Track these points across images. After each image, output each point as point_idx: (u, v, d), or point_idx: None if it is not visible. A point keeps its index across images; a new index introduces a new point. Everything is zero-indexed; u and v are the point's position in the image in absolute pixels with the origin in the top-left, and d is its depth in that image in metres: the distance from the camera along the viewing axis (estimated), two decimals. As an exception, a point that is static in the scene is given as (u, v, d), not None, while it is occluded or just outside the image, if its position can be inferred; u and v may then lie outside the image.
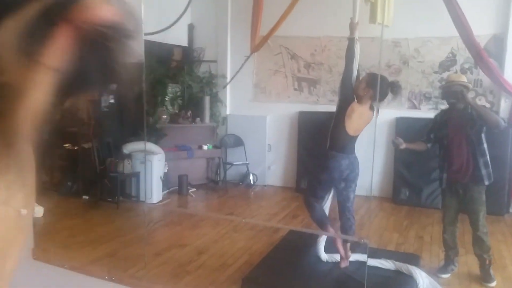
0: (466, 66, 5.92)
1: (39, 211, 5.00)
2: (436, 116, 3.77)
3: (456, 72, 5.94)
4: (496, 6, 5.70)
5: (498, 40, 5.72)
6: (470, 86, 3.69)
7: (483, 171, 3.43)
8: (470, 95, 3.64)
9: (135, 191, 5.65)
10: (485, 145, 3.47)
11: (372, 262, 3.44)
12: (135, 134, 5.85)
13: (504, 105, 5.70)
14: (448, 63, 6.03)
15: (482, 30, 5.67)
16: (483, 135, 3.44)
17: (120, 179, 5.27)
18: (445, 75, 6.00)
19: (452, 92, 3.46)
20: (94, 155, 5.53)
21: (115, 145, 5.73)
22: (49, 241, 3.75)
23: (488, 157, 3.47)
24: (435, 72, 6.07)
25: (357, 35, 3.54)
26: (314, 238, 3.78)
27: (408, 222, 5.23)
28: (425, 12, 5.84)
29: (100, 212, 5.31)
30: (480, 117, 3.34)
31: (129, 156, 5.61)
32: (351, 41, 3.48)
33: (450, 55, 6.01)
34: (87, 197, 5.77)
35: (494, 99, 5.75)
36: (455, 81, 3.55)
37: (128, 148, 5.69)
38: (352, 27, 3.51)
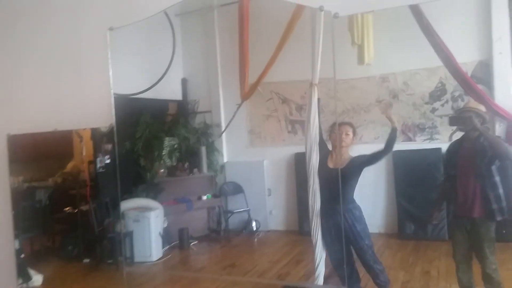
0: (456, 94, 5.93)
1: (38, 279, 4.96)
2: (448, 146, 3.55)
3: (447, 102, 5.98)
4: (478, 33, 5.77)
5: (484, 66, 5.76)
6: (486, 116, 3.35)
7: (494, 206, 3.18)
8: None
9: (129, 251, 5.58)
10: (498, 178, 3.21)
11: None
12: (129, 191, 5.86)
13: (499, 129, 5.66)
14: (438, 93, 6.05)
15: (467, 57, 5.75)
16: (494, 167, 3.20)
17: (117, 239, 5.22)
18: (436, 105, 6.05)
19: (460, 118, 3.29)
20: (92, 216, 5.52)
21: (113, 205, 5.72)
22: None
23: (501, 191, 3.21)
24: (426, 103, 6.09)
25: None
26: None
27: (414, 258, 5.08)
28: (410, 45, 5.93)
29: (100, 275, 5.23)
30: (491, 147, 3.14)
31: (122, 215, 5.59)
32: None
33: (439, 84, 6.04)
34: (88, 260, 5.71)
35: (489, 124, 5.69)
36: (470, 107, 3.33)
37: (121, 206, 5.67)
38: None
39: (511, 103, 5.49)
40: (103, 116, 3.51)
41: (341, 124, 3.53)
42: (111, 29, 3.61)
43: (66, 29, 3.73)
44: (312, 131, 3.54)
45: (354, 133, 3.51)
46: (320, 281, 3.62)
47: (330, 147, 3.59)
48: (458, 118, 3.31)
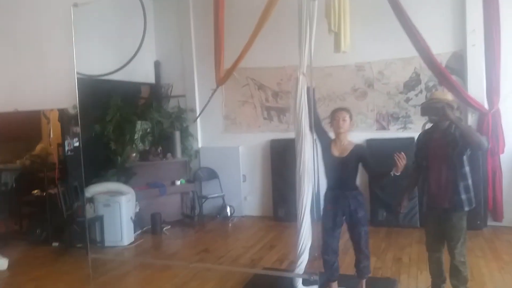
0: (431, 84, 6.02)
1: (2, 263, 4.80)
2: (418, 136, 3.53)
3: (421, 92, 6.06)
4: (453, 24, 5.86)
5: (458, 57, 5.86)
6: (455, 105, 3.35)
7: (463, 196, 3.18)
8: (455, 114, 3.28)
9: (99, 235, 5.47)
10: (467, 168, 3.21)
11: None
12: (99, 175, 5.71)
13: (471, 119, 5.79)
14: (412, 83, 6.12)
15: (442, 48, 5.83)
16: (465, 158, 3.19)
17: (86, 223, 5.10)
18: (410, 94, 6.13)
19: (432, 109, 3.23)
20: (61, 200, 5.37)
21: (82, 189, 5.58)
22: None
23: (469, 181, 3.22)
24: (401, 93, 6.16)
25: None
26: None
27: (386, 244, 5.16)
28: (386, 35, 5.98)
29: (69, 259, 5.11)
30: (463, 137, 3.10)
31: (91, 199, 5.46)
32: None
33: (414, 75, 6.11)
34: (57, 244, 5.57)
35: (461, 115, 5.82)
36: (438, 98, 3.30)
37: (90, 191, 5.55)
38: None
39: (483, 94, 5.62)
40: (67, 97, 3.37)
41: (338, 110, 3.49)
42: (75, 5, 3.45)
43: (28, 5, 3.53)
44: (301, 120, 3.57)
45: (351, 118, 3.50)
46: (302, 269, 3.64)
47: (332, 135, 3.58)
48: (431, 108, 3.26)
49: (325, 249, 3.49)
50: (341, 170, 3.41)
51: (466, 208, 3.21)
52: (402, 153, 3.14)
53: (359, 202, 3.44)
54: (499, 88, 5.49)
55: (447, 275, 3.42)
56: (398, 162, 3.11)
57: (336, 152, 3.45)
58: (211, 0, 6.28)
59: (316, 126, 3.61)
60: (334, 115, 3.46)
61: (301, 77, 3.64)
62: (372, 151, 6.00)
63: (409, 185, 3.60)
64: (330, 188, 3.52)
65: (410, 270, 4.33)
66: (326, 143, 3.53)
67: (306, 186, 3.59)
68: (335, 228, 3.47)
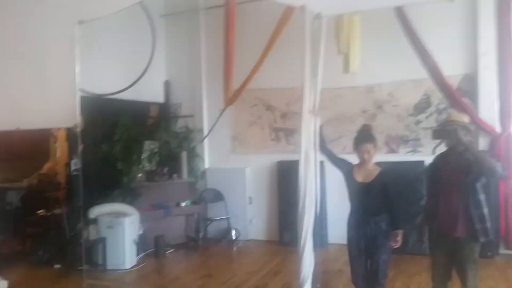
0: (441, 107, 5.89)
1: (1, 286, 4.71)
2: (433, 159, 3.39)
3: (431, 114, 5.93)
4: (465, 46, 5.75)
5: (470, 80, 5.74)
6: (471, 127, 3.21)
7: (477, 226, 3.01)
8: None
9: (101, 258, 5.37)
10: (482, 196, 3.06)
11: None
12: (105, 196, 5.65)
13: (482, 142, 5.63)
14: (423, 105, 6.00)
15: (453, 70, 5.72)
16: (479, 185, 3.04)
17: (86, 246, 5.01)
18: (420, 117, 6.00)
19: (444, 131, 3.12)
20: (65, 220, 5.31)
21: (86, 210, 5.52)
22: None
23: (485, 210, 3.04)
24: (411, 115, 6.04)
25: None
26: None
27: (395, 272, 4.97)
28: (397, 56, 5.90)
29: (69, 283, 5.00)
30: (476, 162, 2.96)
31: (94, 221, 5.38)
32: None
33: (425, 96, 6.00)
34: (59, 266, 5.48)
35: (472, 138, 5.66)
36: (454, 120, 3.15)
37: (94, 212, 5.47)
38: None
39: (495, 117, 5.47)
40: (70, 116, 3.32)
41: (362, 142, 3.37)
42: (80, 22, 3.41)
43: (32, 21, 3.51)
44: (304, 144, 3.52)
45: (375, 147, 3.40)
46: None
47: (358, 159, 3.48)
48: (443, 131, 3.15)
49: (355, 278, 3.40)
50: (364, 196, 3.31)
51: (482, 239, 3.04)
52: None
53: (380, 228, 3.30)
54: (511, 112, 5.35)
55: None
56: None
57: (359, 177, 3.36)
58: (222, 20, 6.30)
59: (332, 160, 3.56)
60: (359, 147, 3.36)
61: (307, 115, 3.55)
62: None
63: (425, 215, 3.43)
64: (353, 214, 3.42)
65: (419, 300, 4.15)
66: (347, 169, 3.45)
67: (308, 211, 3.47)
68: (361, 255, 3.36)
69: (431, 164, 3.38)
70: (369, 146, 3.34)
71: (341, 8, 3.15)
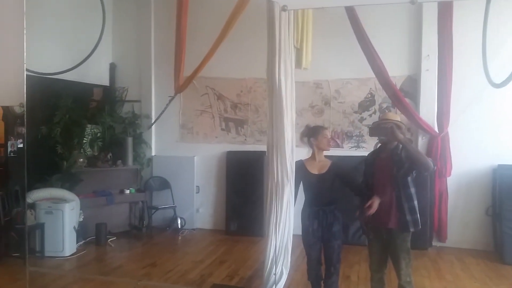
0: (384, 105, 6.17)
1: None
2: (367, 155, 3.56)
3: (375, 112, 6.20)
4: (409, 49, 6.06)
5: (412, 81, 6.06)
6: (404, 126, 3.39)
7: (408, 217, 3.18)
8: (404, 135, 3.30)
9: (39, 244, 5.12)
10: (413, 190, 3.23)
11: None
12: (43, 180, 5.35)
13: (421, 142, 5.97)
14: (367, 103, 6.26)
15: (397, 71, 6.02)
16: (409, 179, 3.21)
17: (25, 231, 4.74)
18: (364, 114, 6.25)
19: (381, 129, 3.26)
20: (-1, 205, 4.98)
21: (23, 194, 5.21)
22: None
23: (415, 202, 3.22)
24: (355, 112, 6.27)
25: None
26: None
27: (336, 262, 5.15)
28: (345, 54, 6.11)
29: (5, 270, 4.70)
30: (409, 158, 3.12)
31: (32, 205, 5.10)
32: None
33: (369, 95, 6.25)
34: (-9, 253, 5.14)
35: (412, 137, 6.00)
36: (388, 119, 3.35)
37: (32, 196, 5.18)
38: None
39: (434, 117, 5.82)
40: (12, 94, 3.07)
41: (323, 128, 3.54)
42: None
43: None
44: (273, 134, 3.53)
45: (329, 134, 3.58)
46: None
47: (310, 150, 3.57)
48: (380, 129, 3.30)
49: (312, 264, 3.52)
50: (320, 186, 3.44)
51: (412, 229, 3.22)
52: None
53: (335, 216, 3.47)
54: (449, 113, 5.71)
55: None
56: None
57: (314, 170, 3.47)
58: (174, 4, 6.14)
59: None
60: (323, 133, 3.48)
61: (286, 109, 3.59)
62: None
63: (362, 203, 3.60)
64: (308, 205, 3.53)
65: (359, 289, 4.34)
66: (299, 165, 3.55)
67: (279, 200, 3.55)
68: (317, 243, 3.49)
69: (366, 160, 3.54)
70: (328, 132, 3.54)
71: (307, 3, 3.17)
